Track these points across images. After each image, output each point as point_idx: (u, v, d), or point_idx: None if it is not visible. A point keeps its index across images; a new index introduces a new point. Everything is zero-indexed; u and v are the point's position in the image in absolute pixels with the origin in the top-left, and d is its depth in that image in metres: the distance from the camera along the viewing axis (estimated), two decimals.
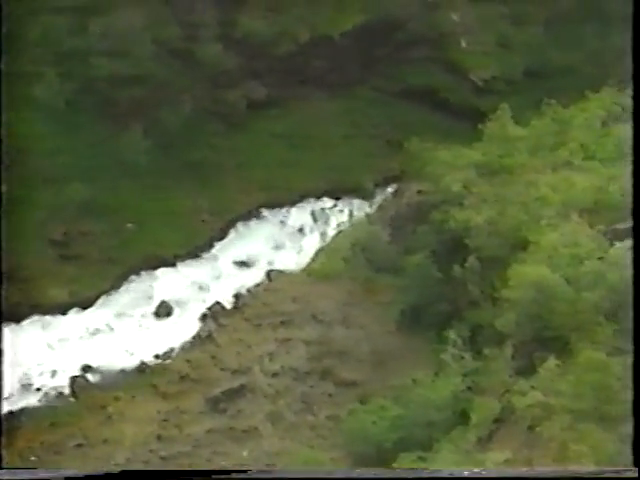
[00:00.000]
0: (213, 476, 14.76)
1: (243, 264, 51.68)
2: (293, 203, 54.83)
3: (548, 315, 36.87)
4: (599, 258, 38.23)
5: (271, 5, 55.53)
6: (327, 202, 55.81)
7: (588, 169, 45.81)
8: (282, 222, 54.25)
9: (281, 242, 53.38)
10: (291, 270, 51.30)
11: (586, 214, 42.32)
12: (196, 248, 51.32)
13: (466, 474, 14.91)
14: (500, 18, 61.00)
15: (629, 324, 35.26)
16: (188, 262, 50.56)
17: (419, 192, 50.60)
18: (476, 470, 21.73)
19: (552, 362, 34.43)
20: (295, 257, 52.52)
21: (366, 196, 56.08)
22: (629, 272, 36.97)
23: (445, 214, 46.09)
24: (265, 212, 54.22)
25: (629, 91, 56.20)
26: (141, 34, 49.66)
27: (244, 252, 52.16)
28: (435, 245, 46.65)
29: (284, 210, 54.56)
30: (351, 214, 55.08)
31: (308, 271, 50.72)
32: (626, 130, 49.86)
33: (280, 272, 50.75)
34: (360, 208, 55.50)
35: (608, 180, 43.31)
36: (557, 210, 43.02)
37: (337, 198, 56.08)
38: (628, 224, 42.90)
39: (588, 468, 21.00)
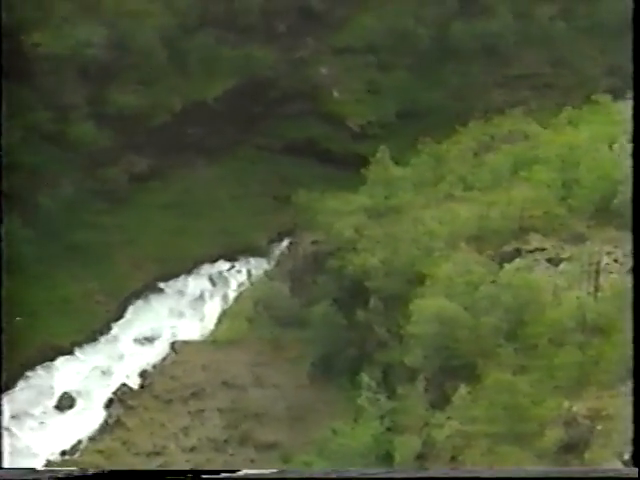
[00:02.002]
0: (203, 476, 14.52)
1: (145, 340, 50.30)
2: (189, 271, 54.17)
3: (453, 344, 37.63)
4: (492, 282, 39.52)
5: (141, 78, 55.56)
6: (224, 265, 55.50)
7: (468, 199, 47.74)
8: (180, 292, 53.41)
9: (182, 312, 52.45)
10: (196, 339, 50.34)
11: (473, 242, 43.89)
12: (93, 332, 49.67)
13: (466, 474, 14.76)
14: (366, 66, 63.41)
15: (529, 341, 36.60)
16: (87, 348, 48.79)
17: (313, 242, 51.12)
18: (476, 469, 21.58)
19: (463, 390, 35.02)
20: (198, 325, 51.64)
21: (262, 254, 56.16)
22: (521, 291, 38.64)
23: (342, 260, 46.71)
24: (161, 284, 53.27)
25: (496, 121, 59.96)
26: (8, 121, 48.35)
27: (145, 328, 50.88)
28: (336, 292, 47.04)
29: (181, 279, 53.79)
30: (249, 273, 54.90)
31: (213, 337, 49.92)
32: (498, 159, 52.84)
33: (185, 343, 49.67)
34: (258, 266, 55.44)
35: (488, 207, 45.19)
36: (446, 241, 44.42)
37: (233, 260, 55.89)
38: (513, 246, 45.03)
39: (588, 468, 21.20)
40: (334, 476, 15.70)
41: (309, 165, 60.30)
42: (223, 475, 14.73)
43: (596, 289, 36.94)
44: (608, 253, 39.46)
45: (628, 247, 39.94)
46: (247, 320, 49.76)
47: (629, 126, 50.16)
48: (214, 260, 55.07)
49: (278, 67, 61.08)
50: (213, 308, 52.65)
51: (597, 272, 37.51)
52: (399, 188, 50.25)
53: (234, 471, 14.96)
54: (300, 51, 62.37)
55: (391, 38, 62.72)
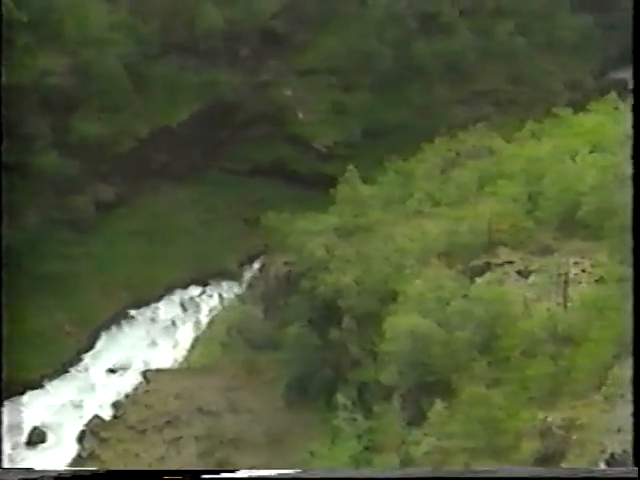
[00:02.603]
0: (202, 476, 14.44)
1: (117, 370, 49.59)
2: (160, 298, 53.70)
3: (427, 360, 37.67)
4: (463, 296, 39.73)
5: (105, 106, 55.32)
6: (195, 290, 55.14)
7: (437, 215, 48.10)
8: (152, 319, 52.88)
9: (154, 340, 51.88)
10: (169, 366, 49.75)
11: (443, 257, 44.14)
12: (64, 364, 48.85)
13: (466, 474, 14.69)
14: (331, 87, 63.95)
15: (502, 354, 36.78)
16: (57, 381, 47.89)
17: (285, 264, 51.00)
18: (476, 469, 21.47)
19: (439, 405, 35.01)
20: (171, 352, 51.07)
21: (233, 277, 55.89)
22: (493, 305, 38.89)
23: (314, 280, 46.60)
24: (132, 312, 52.71)
25: (461, 137, 60.70)
26: None
27: (116, 358, 50.18)
28: (309, 313, 46.88)
29: (152, 306, 53.28)
30: (221, 298, 54.57)
31: (187, 364, 49.41)
32: (464, 174, 53.41)
33: (158, 371, 49.05)
34: (229, 290, 55.14)
35: (457, 222, 45.54)
36: (417, 258, 44.60)
37: (205, 284, 55.55)
38: (482, 260, 45.38)
39: (588, 468, 21.19)
40: (334, 476, 15.56)
41: (277, 187, 60.37)
42: (222, 475, 14.63)
43: (565, 300, 37.32)
44: (575, 263, 39.93)
45: (595, 257, 40.58)
46: (220, 345, 49.37)
47: (591, 138, 51.30)
48: (185, 286, 54.70)
49: (242, 90, 61.31)
50: (185, 334, 52.19)
51: (565, 283, 37.92)
52: (368, 206, 50.48)
53: (233, 471, 14.88)
54: (264, 74, 62.73)
55: (354, 59, 63.38)
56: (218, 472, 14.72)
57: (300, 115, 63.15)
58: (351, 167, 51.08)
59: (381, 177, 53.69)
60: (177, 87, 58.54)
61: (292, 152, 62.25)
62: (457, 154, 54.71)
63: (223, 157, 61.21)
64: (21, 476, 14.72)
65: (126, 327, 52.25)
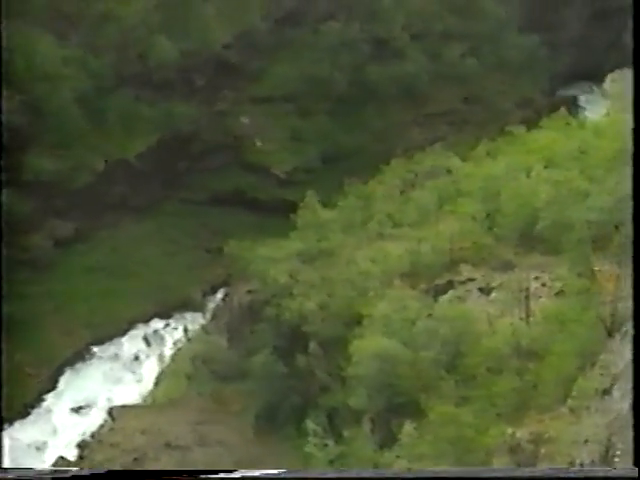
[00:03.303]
0: (201, 476, 14.29)
1: (81, 409, 48.57)
2: (123, 333, 52.95)
3: (395, 382, 37.63)
4: (428, 316, 39.88)
5: (59, 141, 54.80)
6: (158, 323, 54.50)
7: (398, 236, 48.38)
8: (115, 355, 52.03)
9: (118, 376, 50.99)
10: (135, 402, 48.87)
11: (406, 278, 44.34)
12: (25, 406, 47.67)
13: (466, 474, 14.56)
14: (287, 114, 64.37)
15: (468, 372, 36.93)
16: (18, 423, 46.69)
17: (248, 292, 50.73)
18: (476, 470, 21.22)
19: (409, 427, 34.92)
20: (136, 387, 50.22)
21: (197, 308, 55.40)
22: (457, 323, 39.09)
23: (278, 307, 46.40)
24: (95, 349, 51.81)
25: (418, 158, 61.49)
26: None
27: (80, 396, 49.16)
28: (275, 340, 46.60)
29: (115, 342, 52.48)
30: (185, 329, 53.96)
31: (153, 399, 48.58)
32: (423, 194, 53.91)
33: (123, 407, 48.14)
34: (193, 321, 54.60)
35: (418, 242, 45.85)
36: (380, 280, 44.73)
37: (168, 317, 54.97)
38: (445, 279, 45.67)
39: (588, 468, 21.13)
40: (334, 476, 15.54)
41: (238, 215, 60.27)
42: (221, 475, 14.47)
43: (527, 314, 37.66)
44: (536, 278, 40.37)
45: (554, 270, 41.12)
46: (186, 378, 48.70)
47: (544, 154, 52.28)
48: (148, 319, 54.05)
49: (199, 121, 61.35)
50: (150, 369, 51.41)
51: (527, 297, 38.29)
52: (329, 231, 50.61)
53: (232, 471, 14.70)
54: (220, 104, 62.87)
55: (309, 85, 63.97)
56: (217, 472, 14.60)
57: (258, 143, 63.37)
58: (311, 192, 51.27)
59: (341, 201, 53.97)
60: (133, 119, 58.31)
61: (251, 180, 62.32)
62: (415, 175, 55.32)
63: (182, 188, 60.99)
64: (21, 476, 14.57)
65: (89, 364, 51.33)
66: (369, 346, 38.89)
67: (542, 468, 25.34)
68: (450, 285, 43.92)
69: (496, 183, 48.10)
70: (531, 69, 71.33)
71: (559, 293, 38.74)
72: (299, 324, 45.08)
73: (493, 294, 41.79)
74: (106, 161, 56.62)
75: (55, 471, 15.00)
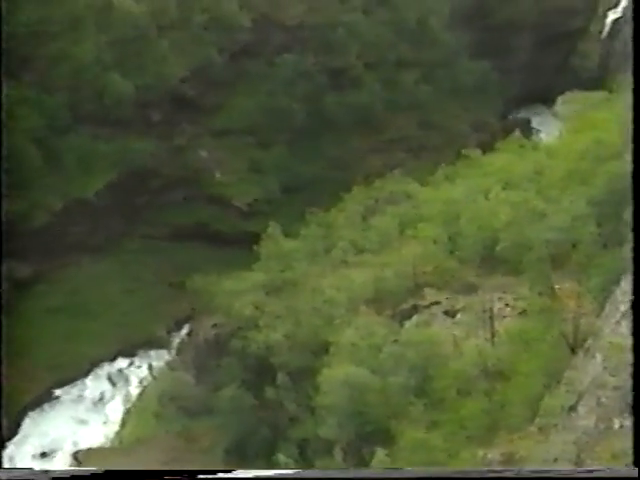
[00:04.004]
0: (200, 476, 14.26)
1: (46, 455, 47.35)
2: (86, 374, 51.96)
3: (364, 409, 37.47)
4: (394, 341, 39.91)
5: (15, 182, 54.04)
6: (123, 362, 53.66)
7: (362, 263, 48.54)
8: (79, 397, 51.00)
9: (83, 418, 49.92)
10: (101, 445, 47.85)
11: (372, 304, 44.41)
12: None
13: (466, 474, 14.41)
14: (246, 146, 64.54)
15: (437, 395, 36.97)
16: None
17: (214, 325, 50.30)
18: (476, 470, 20.91)
19: (381, 454, 34.72)
20: (102, 429, 49.20)
21: (162, 345, 54.75)
22: (423, 347, 39.19)
23: (244, 340, 46.05)
24: (58, 392, 50.68)
25: (378, 185, 62.00)
26: None
27: (44, 442, 47.98)
28: (242, 373, 46.18)
29: (78, 384, 51.45)
30: (151, 367, 53.18)
31: (119, 440, 47.61)
32: (384, 220, 54.30)
33: (89, 450, 47.08)
34: (159, 358, 53.86)
35: (382, 268, 46.04)
36: (346, 307, 44.74)
37: (132, 355, 54.17)
38: (410, 303, 45.85)
39: (588, 468, 21.03)
40: (333, 476, 15.36)
41: (201, 248, 59.97)
42: (220, 475, 14.44)
43: (492, 335, 37.94)
44: (499, 299, 40.76)
45: (516, 290, 41.58)
46: (153, 416, 47.88)
47: (501, 176, 53.14)
48: (112, 358, 53.19)
49: (158, 156, 61.16)
50: (116, 409, 50.48)
51: (491, 318, 38.60)
52: (293, 260, 50.59)
53: (230, 471, 14.58)
54: (178, 138, 62.82)
55: (267, 116, 64.34)
56: (215, 472, 14.59)
57: (218, 175, 63.35)
58: (273, 223, 51.28)
59: (304, 230, 54.07)
60: (90, 157, 57.89)
61: (213, 213, 62.15)
62: (376, 201, 55.76)
63: (143, 224, 60.52)
64: (20, 476, 14.44)
65: (52, 409, 50.18)
66: (337, 374, 38.73)
67: (542, 468, 25.33)
68: (415, 309, 44.09)
69: (456, 206, 48.68)
70: (484, 94, 72.83)
71: (522, 313, 39.14)
72: (266, 356, 44.77)
73: (458, 316, 42.06)
74: (64, 201, 55.96)
75: (53, 471, 14.86)
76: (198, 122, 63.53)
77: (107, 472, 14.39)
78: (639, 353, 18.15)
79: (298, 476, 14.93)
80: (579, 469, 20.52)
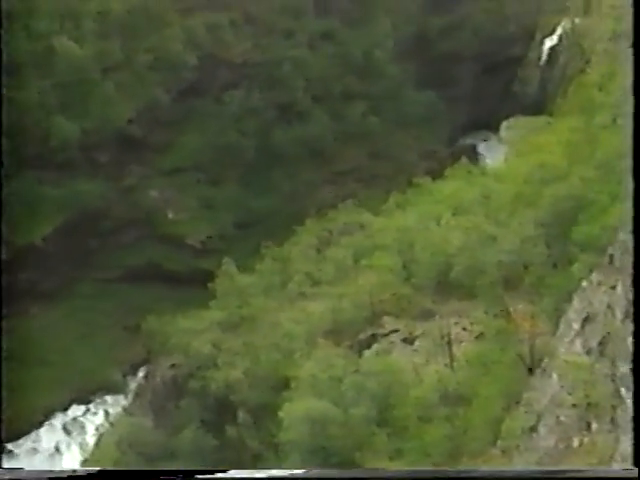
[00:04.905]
0: (197, 476, 14.19)
1: None
2: (39, 424, 50.40)
3: (327, 443, 37.03)
4: (354, 372, 39.70)
5: None
6: (77, 410, 52.22)
7: (319, 294, 48.39)
8: (33, 449, 49.37)
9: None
10: None
11: (330, 335, 44.21)
12: None
13: (465, 474, 14.13)
14: (197, 183, 64.29)
15: (399, 424, 36.77)
16: None
17: (171, 366, 49.35)
18: (476, 470, 20.44)
19: None
20: None
21: (118, 390, 53.51)
22: (384, 376, 39.05)
23: (203, 379, 45.29)
24: (9, 446, 48.99)
25: (331, 216, 62.17)
26: None
27: None
28: (202, 413, 45.28)
29: (32, 436, 49.84)
30: (107, 413, 51.83)
31: None
32: (339, 251, 54.39)
33: None
34: (115, 404, 52.57)
35: (339, 299, 45.97)
36: (305, 340, 44.43)
37: (87, 402, 52.77)
38: (368, 332, 45.79)
39: (588, 468, 20.76)
40: (334, 476, 15.14)
41: (155, 289, 59.14)
42: (217, 475, 14.34)
43: (451, 360, 38.05)
44: (455, 323, 41.01)
45: (472, 314, 41.89)
46: (112, 464, 46.47)
47: (451, 202, 53.87)
48: (66, 407, 51.74)
49: (107, 197, 60.44)
50: (72, 459, 48.93)
51: (449, 343, 38.76)
52: (249, 296, 50.21)
53: (226, 470, 14.46)
54: (127, 179, 62.27)
55: (216, 153, 64.30)
56: (213, 472, 14.53)
57: (170, 214, 62.84)
58: (227, 259, 50.91)
59: (259, 265, 53.80)
60: (36, 202, 56.89)
61: (166, 252, 61.49)
62: (330, 233, 55.87)
63: (94, 267, 59.49)
64: (19, 477, 14.32)
65: (4, 463, 48.38)
66: (298, 409, 38.27)
67: (541, 468, 25.18)
68: (374, 338, 44.01)
69: (409, 234, 49.06)
70: (430, 123, 74.08)
71: (479, 336, 39.38)
72: (226, 394, 44.06)
73: (416, 343, 42.10)
74: (10, 248, 54.70)
75: (51, 471, 14.62)
76: (147, 162, 63.12)
77: (103, 472, 14.26)
78: (639, 353, 18.32)
79: (300, 476, 14.75)
80: (579, 468, 20.52)
